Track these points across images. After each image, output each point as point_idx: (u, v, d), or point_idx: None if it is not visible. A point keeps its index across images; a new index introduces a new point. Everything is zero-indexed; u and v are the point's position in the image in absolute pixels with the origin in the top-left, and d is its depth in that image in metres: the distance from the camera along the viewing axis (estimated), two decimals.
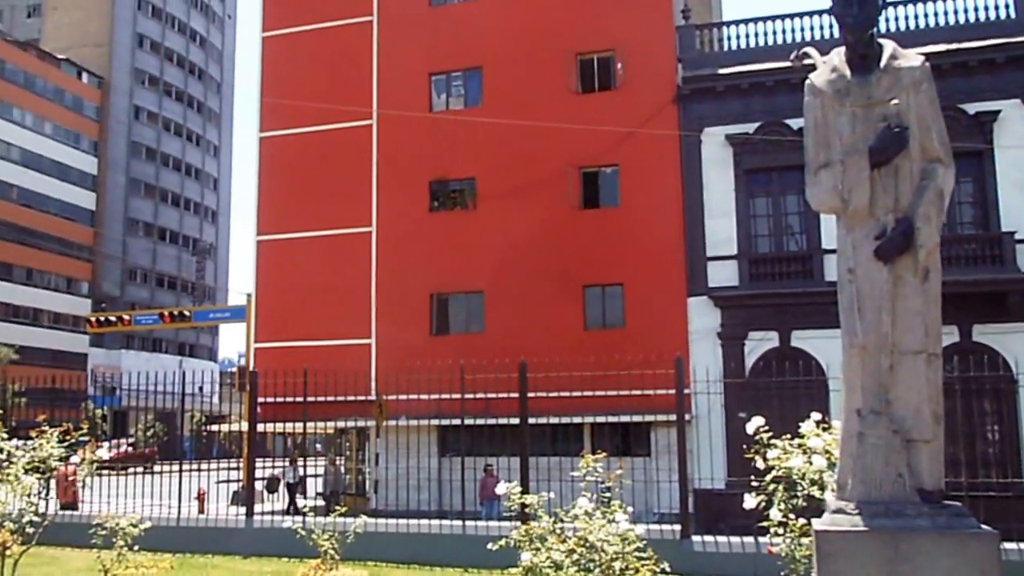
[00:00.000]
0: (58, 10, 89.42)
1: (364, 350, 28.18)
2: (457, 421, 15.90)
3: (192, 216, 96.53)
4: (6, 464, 7.74)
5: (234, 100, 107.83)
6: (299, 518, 12.94)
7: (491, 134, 28.39)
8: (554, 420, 16.50)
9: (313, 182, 30.23)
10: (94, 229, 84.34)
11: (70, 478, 19.95)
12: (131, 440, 50.87)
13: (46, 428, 8.27)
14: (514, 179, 28.25)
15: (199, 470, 27.57)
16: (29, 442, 8.07)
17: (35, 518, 7.81)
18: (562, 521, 8.23)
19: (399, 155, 29.53)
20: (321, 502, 24.90)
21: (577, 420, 23.89)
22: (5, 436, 7.86)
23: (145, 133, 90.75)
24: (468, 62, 29.67)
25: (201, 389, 17.55)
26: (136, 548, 11.65)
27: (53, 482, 19.99)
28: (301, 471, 25.96)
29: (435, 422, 24.15)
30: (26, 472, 7.76)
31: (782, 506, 7.10)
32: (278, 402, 16.66)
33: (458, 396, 14.61)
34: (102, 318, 37.71)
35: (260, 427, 15.94)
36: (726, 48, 27.64)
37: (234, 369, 40.86)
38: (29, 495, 7.77)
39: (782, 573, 7.64)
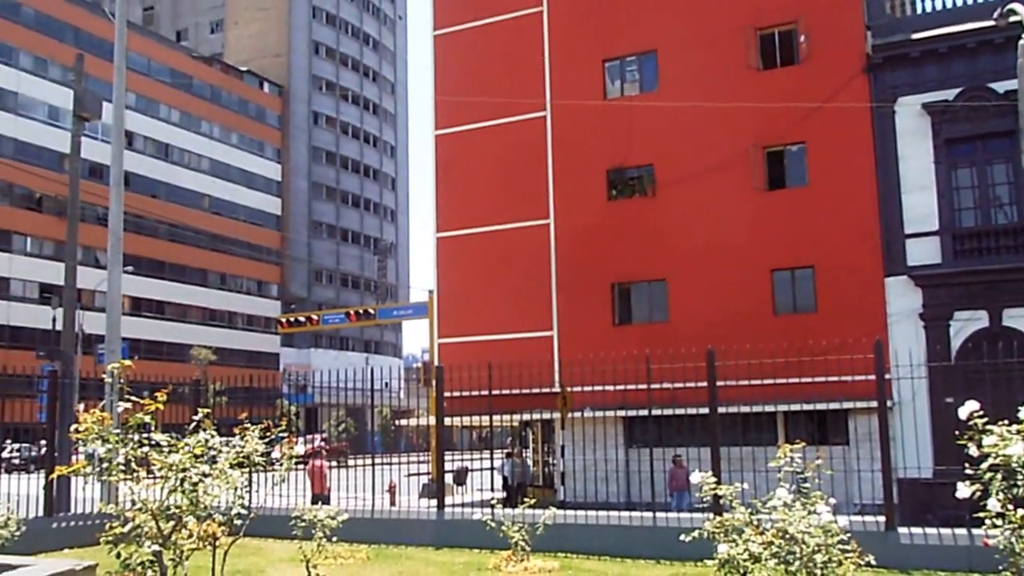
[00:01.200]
0: (239, 24, 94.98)
1: (546, 342, 28.56)
2: (644, 412, 15.89)
3: (372, 216, 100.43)
4: (215, 460, 8.30)
5: (408, 100, 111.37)
6: (487, 510, 13.30)
7: (668, 118, 28.12)
8: (745, 409, 16.21)
9: (489, 177, 30.85)
10: (281, 233, 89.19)
11: (323, 471, 21.61)
12: (323, 436, 53.48)
13: (248, 425, 8.81)
14: (694, 163, 27.88)
15: (389, 464, 28.81)
16: (233, 439, 8.62)
17: (242, 511, 8.36)
18: (759, 512, 8.13)
19: (575, 145, 29.71)
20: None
21: (770, 408, 23.37)
22: (214, 433, 8.45)
23: (324, 137, 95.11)
24: (642, 46, 29.48)
25: (387, 385, 18.29)
26: (334, 539, 12.34)
27: (305, 475, 21.54)
28: (519, 463, 26.44)
29: (621, 413, 24.19)
30: (232, 467, 8.30)
31: (1000, 496, 6.79)
32: (463, 396, 17.14)
33: (644, 386, 14.60)
34: (292, 319, 39.84)
35: (447, 421, 16.42)
36: (919, 11, 26.28)
37: (418, 365, 42.28)
38: (236, 489, 8.31)
39: (1000, 567, 7.29)
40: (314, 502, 21.63)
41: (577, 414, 24.07)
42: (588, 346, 22.09)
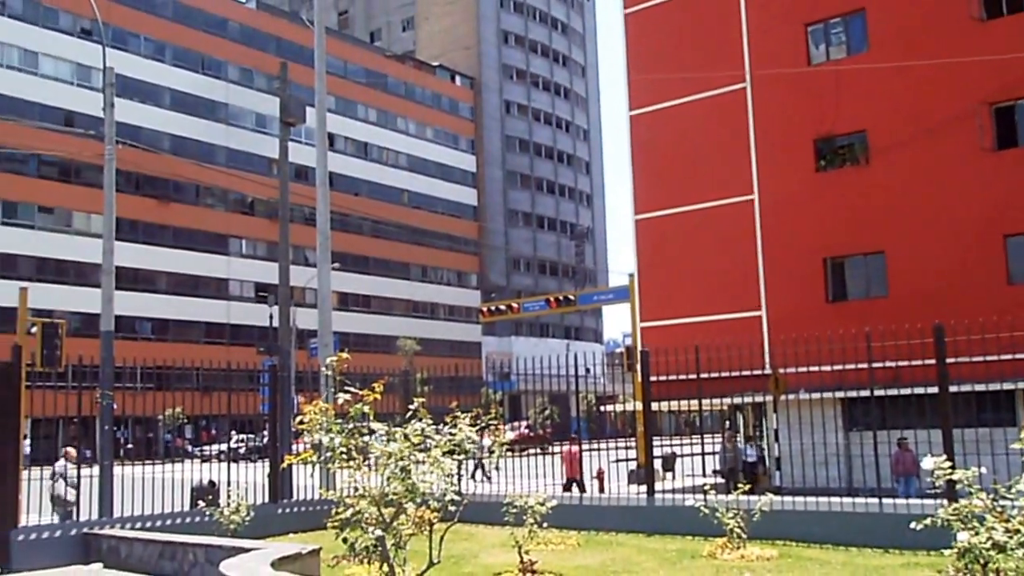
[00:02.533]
0: (429, 20, 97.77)
1: (754, 322, 27.85)
2: (864, 392, 15.23)
3: (567, 201, 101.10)
4: (428, 448, 8.58)
5: (600, 82, 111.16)
6: (700, 496, 13.12)
7: (880, 81, 26.73)
8: (979, 387, 15.20)
9: (688, 155, 30.36)
10: (478, 223, 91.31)
11: (576, 455, 22.47)
12: (527, 423, 54.45)
13: (458, 414, 9.06)
14: (911, 126, 26.38)
15: (595, 449, 28.95)
16: (444, 427, 8.88)
17: (455, 497, 8.61)
18: (1003, 498, 7.61)
19: (778, 116, 28.76)
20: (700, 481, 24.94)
21: (1008, 386, 21.83)
22: (430, 422, 8.75)
23: (517, 126, 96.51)
24: (848, 5, 28.13)
25: (588, 371, 18.36)
26: (545, 525, 12.53)
27: (559, 459, 22.31)
28: (731, 448, 26.02)
29: (839, 394, 23.28)
30: (444, 455, 8.56)
31: None
32: (669, 380, 16.96)
33: (864, 365, 13.98)
34: (493, 307, 40.73)
35: (653, 405, 16.33)
36: None
37: (620, 350, 42.23)
38: (449, 476, 8.57)
39: None
40: (567, 487, 22.19)
41: (791, 396, 23.37)
42: (800, 325, 21.33)
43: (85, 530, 13.70)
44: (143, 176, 62.94)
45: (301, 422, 8.57)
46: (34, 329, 22.78)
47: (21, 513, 13.31)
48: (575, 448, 23.30)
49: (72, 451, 18.09)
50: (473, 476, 25.86)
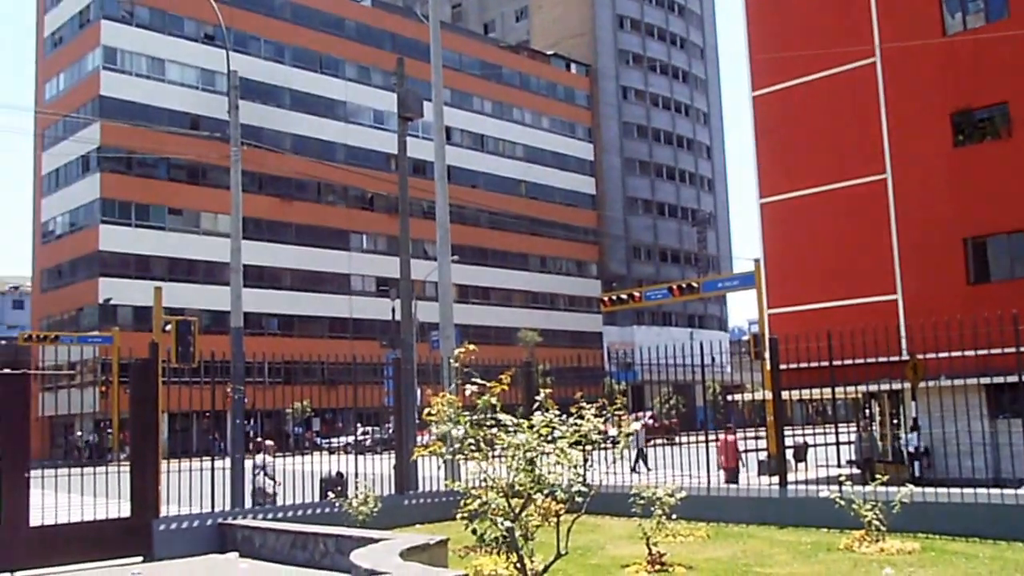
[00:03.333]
0: (542, 8, 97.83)
1: (889, 307, 26.91)
2: (1012, 378, 14.55)
3: (688, 187, 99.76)
4: (553, 439, 8.59)
5: (719, 64, 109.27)
6: (835, 487, 12.78)
7: (1023, 49, 25.44)
8: None
9: (815, 135, 29.54)
10: (596, 212, 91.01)
11: (734, 445, 22.50)
12: (651, 413, 54.04)
13: (584, 404, 9.04)
14: None
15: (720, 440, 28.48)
16: (569, 418, 8.87)
17: (582, 488, 8.60)
18: None
19: (911, 90, 27.68)
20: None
21: None
22: (557, 413, 8.76)
23: (634, 112, 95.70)
24: None
25: (714, 360, 18.09)
26: (673, 517, 12.40)
27: (715, 448, 22.33)
28: (866, 438, 25.37)
29: (983, 380, 22.32)
30: (571, 446, 8.56)
31: None
32: (799, 368, 16.58)
33: (1011, 350, 13.35)
34: (614, 296, 40.49)
35: (783, 394, 15.99)
36: None
37: (745, 337, 41.46)
38: (576, 467, 8.58)
39: None
40: (731, 478, 22.07)
41: (930, 383, 22.54)
42: (938, 308, 20.54)
43: (220, 521, 14.26)
44: (266, 176, 64.96)
45: (429, 414, 8.71)
46: (168, 327, 23.82)
47: (161, 504, 13.94)
48: (731, 437, 23.13)
49: (270, 443, 18.76)
50: (634, 468, 25.85)
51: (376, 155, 73.00)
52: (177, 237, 64.62)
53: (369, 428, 42.99)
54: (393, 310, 55.18)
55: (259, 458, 18.12)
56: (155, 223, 64.53)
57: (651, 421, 48.71)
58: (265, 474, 17.73)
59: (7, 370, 13.34)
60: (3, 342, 76.22)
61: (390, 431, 26.37)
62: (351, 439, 32.05)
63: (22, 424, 13.16)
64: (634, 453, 27.81)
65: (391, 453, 17.82)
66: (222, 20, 24.72)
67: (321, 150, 70.48)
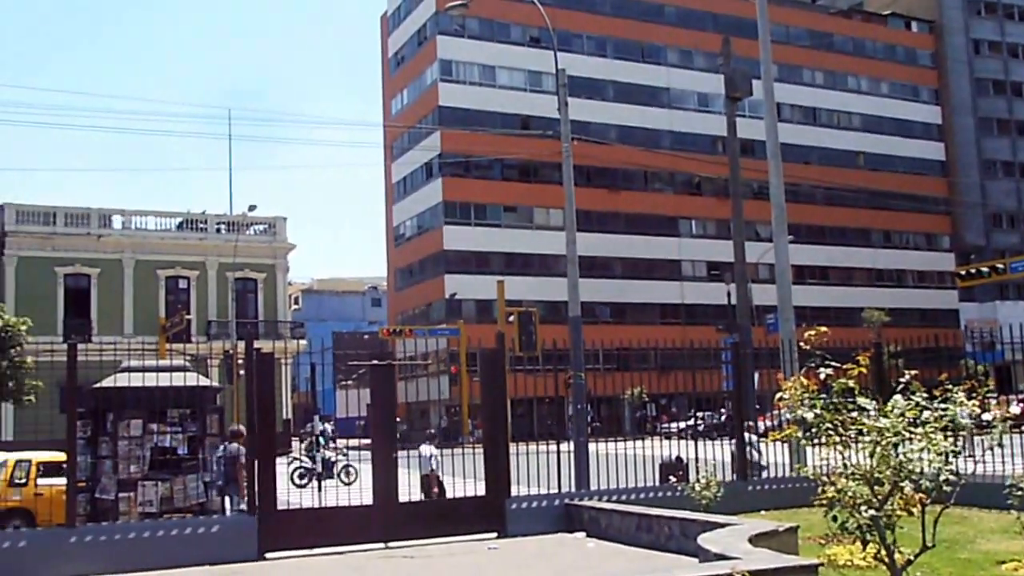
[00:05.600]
0: None
1: None
2: None
3: None
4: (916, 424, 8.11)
5: None
6: None
7: None
8: None
9: None
10: (947, 179, 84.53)
11: None
12: (1022, 396, 49.22)
13: (950, 387, 8.45)
14: None
15: None
16: (934, 401, 8.32)
17: (951, 478, 8.02)
18: None
19: None
20: None
21: None
22: (925, 395, 8.26)
23: (988, 66, 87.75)
24: None
25: None
26: None
27: None
28: None
29: None
30: (938, 432, 8.05)
31: None
32: None
33: None
34: (972, 270, 37.47)
35: None
36: None
37: None
38: (945, 454, 8.03)
39: None
40: None
41: None
42: None
43: (567, 501, 14.81)
44: (593, 168, 66.36)
45: (781, 398, 8.55)
46: (511, 318, 25.10)
47: (512, 484, 14.72)
48: None
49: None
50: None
51: (702, 139, 72.36)
52: (512, 233, 67.98)
53: (704, 413, 42.76)
54: (729, 294, 54.48)
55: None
56: (492, 221, 68.49)
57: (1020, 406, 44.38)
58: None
59: (375, 361, 14.72)
60: (366, 336, 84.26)
61: (724, 416, 26.09)
62: (685, 424, 32.00)
63: (390, 408, 14.50)
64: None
65: (727, 439, 17.58)
66: (548, 22, 25.41)
67: (646, 138, 71.09)
